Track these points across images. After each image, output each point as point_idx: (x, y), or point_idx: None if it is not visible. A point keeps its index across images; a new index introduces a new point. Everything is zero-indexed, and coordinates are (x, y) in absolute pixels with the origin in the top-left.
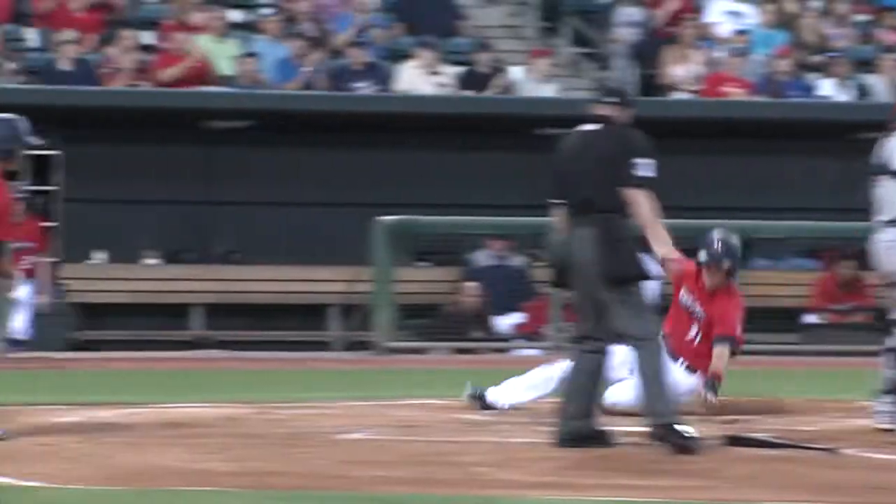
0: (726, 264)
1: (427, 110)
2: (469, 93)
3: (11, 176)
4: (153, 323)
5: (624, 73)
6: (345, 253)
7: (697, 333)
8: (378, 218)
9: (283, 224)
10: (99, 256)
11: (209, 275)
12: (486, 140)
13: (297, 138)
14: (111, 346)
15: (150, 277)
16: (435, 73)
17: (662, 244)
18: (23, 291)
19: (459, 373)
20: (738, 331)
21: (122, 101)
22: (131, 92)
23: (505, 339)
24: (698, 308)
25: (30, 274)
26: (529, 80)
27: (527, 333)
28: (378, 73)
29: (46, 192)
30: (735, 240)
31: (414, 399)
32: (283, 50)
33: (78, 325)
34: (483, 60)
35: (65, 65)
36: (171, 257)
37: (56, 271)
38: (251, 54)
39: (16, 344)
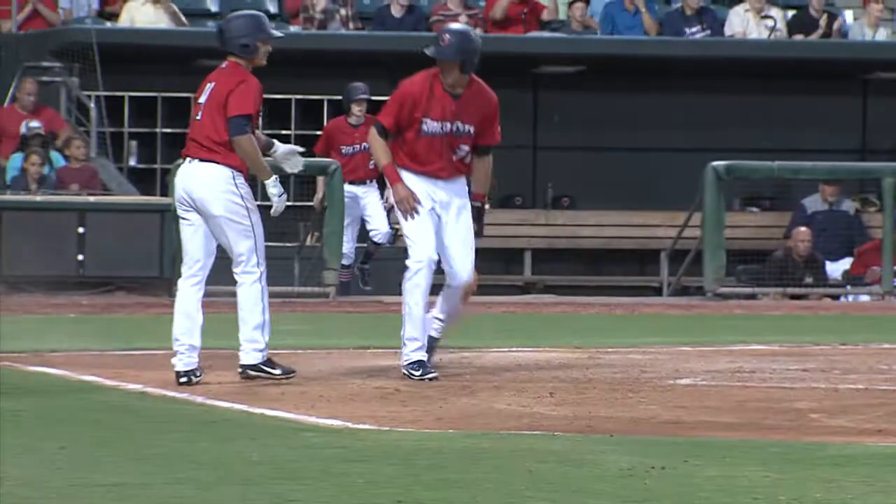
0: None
1: (758, 55)
2: (799, 37)
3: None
4: (486, 267)
5: None
6: (676, 198)
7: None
8: (709, 163)
9: (613, 170)
10: None
11: (540, 220)
12: (817, 85)
13: (626, 84)
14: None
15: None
16: (765, 17)
17: None
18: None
19: (789, 318)
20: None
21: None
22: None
23: (836, 286)
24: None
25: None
26: (861, 25)
27: (856, 278)
28: (709, 18)
29: None
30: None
31: (744, 345)
32: None
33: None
34: (814, 4)
35: (396, 11)
36: (503, 202)
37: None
38: (584, 0)
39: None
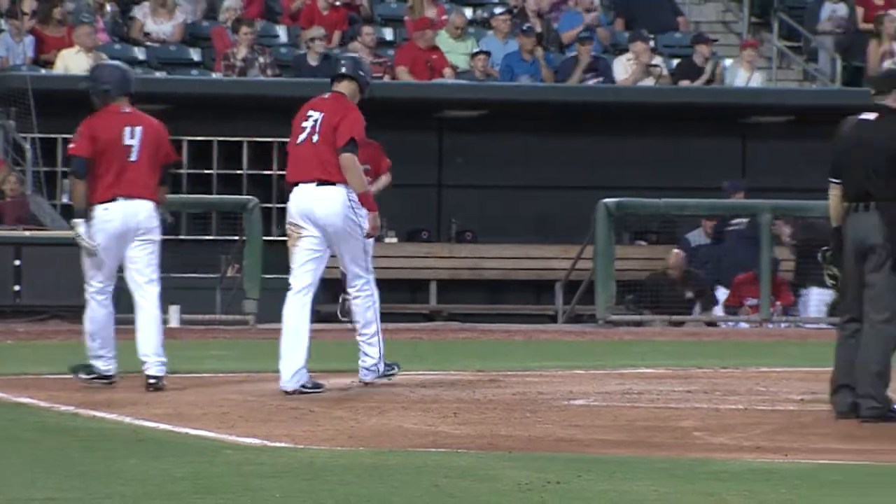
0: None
1: (646, 100)
2: (685, 83)
3: None
4: (393, 297)
5: (828, 64)
6: (570, 233)
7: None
8: (601, 200)
9: (512, 206)
10: None
11: (444, 252)
12: (701, 128)
13: (525, 127)
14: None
15: (391, 255)
16: (652, 66)
17: None
18: None
19: (674, 344)
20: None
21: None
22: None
23: (717, 313)
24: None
25: None
26: (739, 72)
27: (734, 307)
28: (602, 66)
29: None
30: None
31: (633, 369)
32: (512, 45)
33: (323, 299)
34: (698, 53)
35: (313, 59)
36: (410, 236)
37: None
38: (485, 52)
39: None
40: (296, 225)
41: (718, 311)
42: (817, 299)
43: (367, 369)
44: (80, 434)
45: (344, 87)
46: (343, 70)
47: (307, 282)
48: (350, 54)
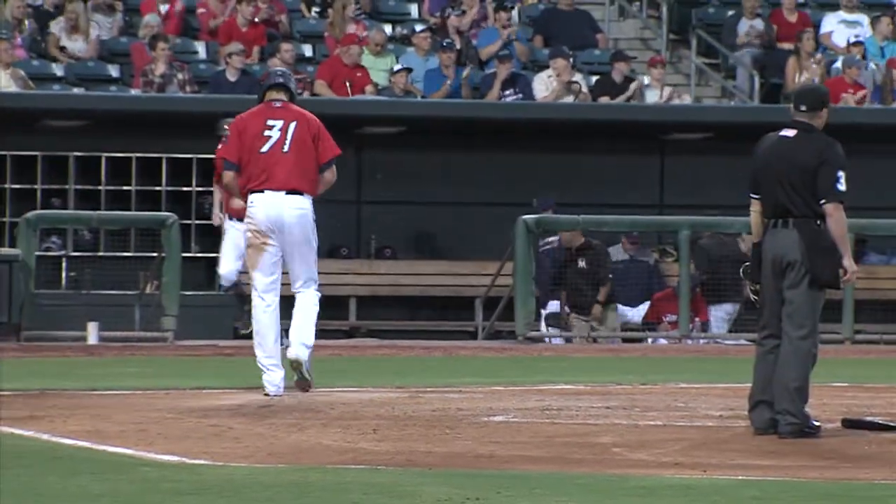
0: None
1: (565, 116)
2: (604, 99)
3: None
4: None
5: (746, 81)
6: (489, 249)
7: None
8: (520, 217)
9: (431, 223)
10: None
11: (364, 269)
12: (619, 145)
13: (443, 143)
14: None
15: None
16: (572, 83)
17: (847, 257)
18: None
19: (593, 360)
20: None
21: None
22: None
23: (635, 329)
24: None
25: None
26: (657, 89)
27: (651, 324)
28: (521, 83)
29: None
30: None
31: (553, 385)
32: (433, 62)
33: (243, 316)
34: (617, 70)
35: (231, 75)
36: (330, 252)
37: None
38: (406, 69)
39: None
40: (260, 233)
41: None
42: (717, 315)
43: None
44: None
45: (284, 97)
46: (280, 80)
47: (275, 283)
48: (279, 68)
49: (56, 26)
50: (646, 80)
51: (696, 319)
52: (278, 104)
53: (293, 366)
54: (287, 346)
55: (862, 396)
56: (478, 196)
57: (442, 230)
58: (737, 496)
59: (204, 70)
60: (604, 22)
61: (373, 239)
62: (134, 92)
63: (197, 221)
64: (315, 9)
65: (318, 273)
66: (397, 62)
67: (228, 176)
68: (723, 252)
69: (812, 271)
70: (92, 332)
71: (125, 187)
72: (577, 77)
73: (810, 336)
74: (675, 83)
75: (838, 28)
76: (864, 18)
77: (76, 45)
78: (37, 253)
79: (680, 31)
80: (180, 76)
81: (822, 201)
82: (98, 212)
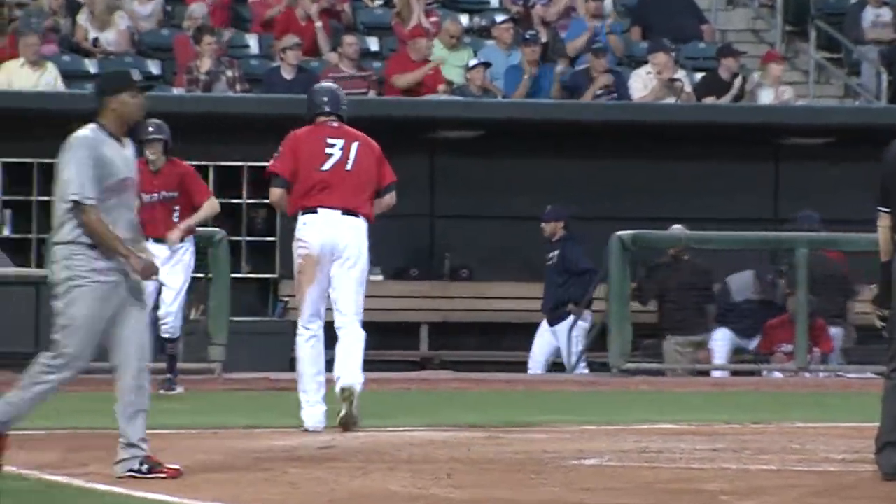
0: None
1: (665, 119)
2: (709, 100)
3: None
4: (379, 342)
5: (872, 79)
6: None
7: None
8: (615, 233)
9: (514, 239)
10: None
11: (436, 292)
12: (727, 150)
13: (527, 149)
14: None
15: (376, 294)
16: (673, 80)
17: None
18: None
19: (698, 396)
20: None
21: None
22: (363, 101)
23: (749, 361)
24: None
25: None
26: (771, 88)
27: (766, 355)
28: (616, 80)
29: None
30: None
31: (651, 424)
32: (515, 57)
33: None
34: (725, 66)
35: (287, 72)
36: (397, 274)
37: (277, 288)
38: (485, 64)
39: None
40: (313, 256)
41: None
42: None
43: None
44: (24, 499)
45: (337, 122)
46: (328, 109)
47: (322, 312)
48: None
49: (83, 16)
50: (757, 77)
51: (815, 349)
52: (335, 124)
53: (344, 395)
54: (336, 379)
55: None
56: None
57: (525, 248)
58: None
59: (256, 67)
60: (710, 11)
61: (447, 258)
62: (176, 91)
63: (248, 238)
64: None
65: (384, 297)
66: (474, 56)
67: (276, 193)
68: (826, 271)
69: None
70: None
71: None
72: (680, 74)
73: None
74: (791, 81)
75: None
76: None
77: (109, 36)
78: None
79: (797, 22)
80: (229, 73)
81: None
82: None
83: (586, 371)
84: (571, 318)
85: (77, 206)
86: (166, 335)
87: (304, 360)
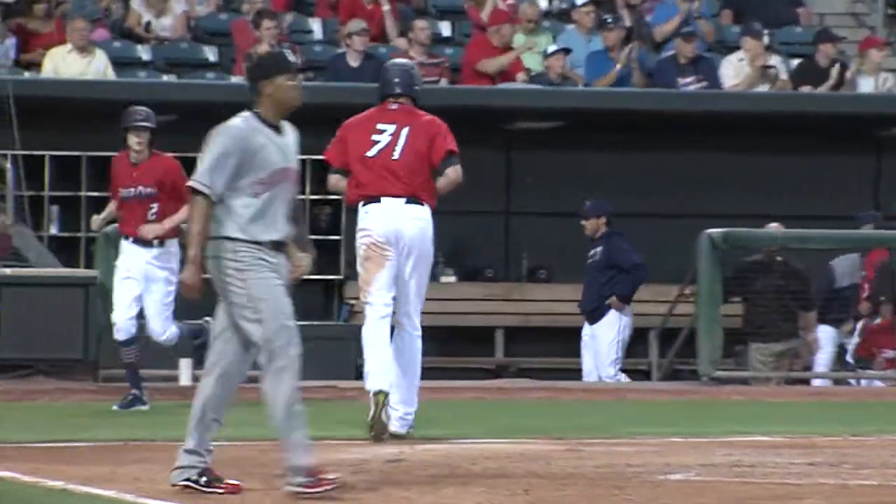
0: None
1: (759, 109)
2: (806, 89)
3: None
4: (451, 348)
5: None
6: (666, 271)
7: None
8: (704, 231)
9: None
10: None
11: (513, 294)
12: (825, 143)
13: (611, 141)
14: None
15: (448, 297)
16: (767, 67)
17: None
18: None
19: (793, 406)
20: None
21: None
22: (434, 90)
23: (847, 369)
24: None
25: None
26: (872, 75)
27: (864, 360)
28: (706, 67)
29: (331, 202)
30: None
31: (743, 436)
32: (596, 43)
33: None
34: (822, 52)
35: (353, 59)
36: (471, 275)
37: (343, 290)
38: (564, 50)
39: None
40: (379, 245)
41: None
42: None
43: (401, 418)
44: None
45: (403, 101)
46: (398, 91)
47: (389, 301)
48: (398, 64)
49: (137, 0)
50: (856, 64)
51: None
52: (395, 106)
53: (376, 398)
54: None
55: None
56: (651, 205)
57: None
58: None
59: (320, 53)
60: None
61: (524, 258)
62: (235, 79)
63: (311, 237)
64: None
65: (457, 300)
66: (554, 42)
67: (331, 180)
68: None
69: None
70: (185, 371)
71: None
72: (774, 60)
73: None
74: (892, 68)
75: None
76: None
77: (164, 21)
78: None
79: None
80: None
81: None
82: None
83: (621, 377)
84: (612, 312)
85: (193, 194)
86: (161, 340)
87: (370, 343)
